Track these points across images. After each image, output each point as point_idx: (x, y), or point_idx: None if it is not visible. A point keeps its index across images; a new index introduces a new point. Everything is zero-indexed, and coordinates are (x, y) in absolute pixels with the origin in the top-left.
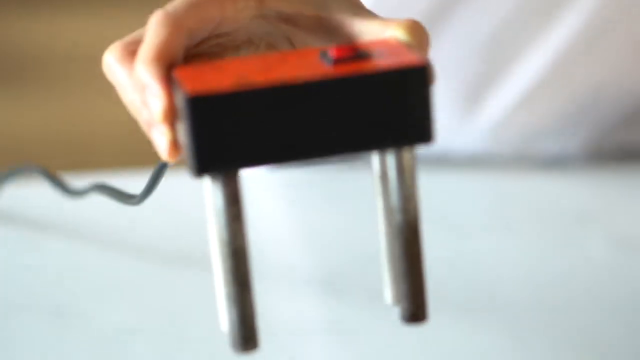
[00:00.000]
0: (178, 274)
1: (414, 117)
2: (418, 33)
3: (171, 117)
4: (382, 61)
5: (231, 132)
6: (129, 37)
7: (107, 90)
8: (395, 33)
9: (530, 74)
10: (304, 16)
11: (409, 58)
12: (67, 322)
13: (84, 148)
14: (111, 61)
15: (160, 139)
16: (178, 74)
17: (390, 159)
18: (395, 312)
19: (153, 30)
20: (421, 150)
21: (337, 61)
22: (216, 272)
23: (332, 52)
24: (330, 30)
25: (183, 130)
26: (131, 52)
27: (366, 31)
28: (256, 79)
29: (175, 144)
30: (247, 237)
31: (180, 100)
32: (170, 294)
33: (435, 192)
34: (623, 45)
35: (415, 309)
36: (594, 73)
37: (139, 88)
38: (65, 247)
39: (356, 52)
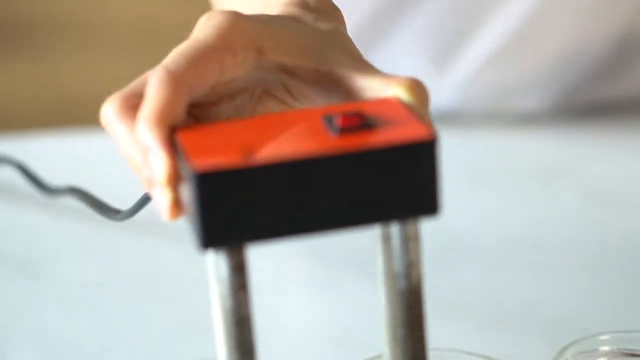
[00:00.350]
0: (148, 233)
1: (421, 190)
2: (419, 92)
3: (175, 181)
4: (391, 134)
5: (238, 208)
6: (129, 90)
7: (104, 54)
8: (397, 92)
9: (499, 33)
10: (304, 69)
11: (418, 131)
12: (37, 278)
13: (80, 111)
14: (110, 115)
15: (162, 199)
16: (182, 138)
17: (395, 226)
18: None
19: (155, 91)
20: None
21: (344, 130)
22: (218, 337)
23: (338, 121)
24: (330, 84)
25: (188, 198)
26: (131, 106)
27: (368, 88)
28: (263, 153)
29: (177, 205)
30: (252, 305)
31: (187, 174)
32: (140, 252)
33: None
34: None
35: None
36: (562, 33)
37: (139, 147)
38: (36, 206)
39: (363, 121)
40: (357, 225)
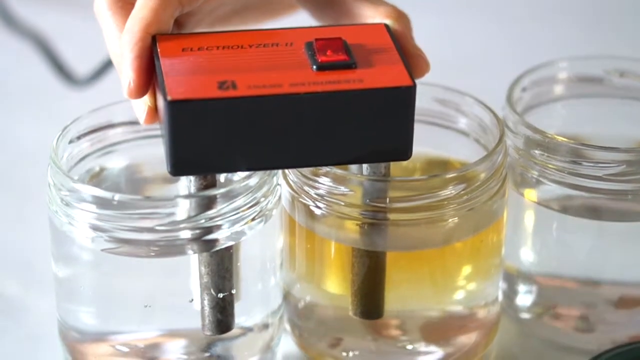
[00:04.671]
0: None
1: (395, 135)
2: (403, 20)
3: (142, 94)
4: (370, 76)
5: (209, 138)
6: None
7: None
8: (384, 20)
9: None
10: None
11: (396, 75)
12: None
13: None
14: (103, 8)
15: (139, 106)
16: (162, 50)
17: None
18: None
19: (143, 1)
20: None
21: (322, 67)
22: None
23: (320, 56)
24: (325, 3)
25: (161, 116)
26: (125, 3)
27: (358, 14)
28: (239, 84)
29: (153, 111)
30: None
31: (161, 93)
32: None
33: None
34: None
35: None
36: None
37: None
38: None
39: (345, 58)
40: (325, 164)
